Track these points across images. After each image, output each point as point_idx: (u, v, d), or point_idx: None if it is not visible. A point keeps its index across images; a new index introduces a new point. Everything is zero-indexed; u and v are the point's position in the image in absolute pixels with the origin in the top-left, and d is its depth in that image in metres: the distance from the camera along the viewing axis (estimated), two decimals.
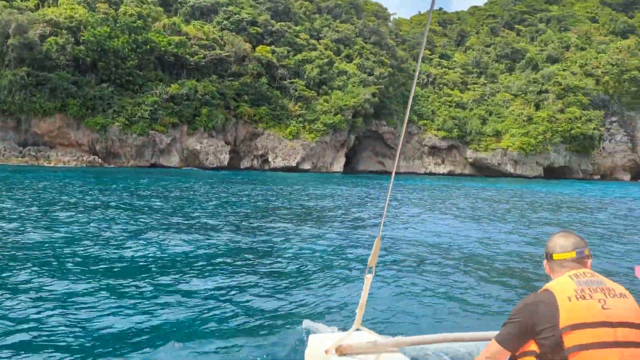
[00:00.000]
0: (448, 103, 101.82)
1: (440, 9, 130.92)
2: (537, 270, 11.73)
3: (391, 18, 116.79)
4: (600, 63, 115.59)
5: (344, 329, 3.11)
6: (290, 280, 9.97)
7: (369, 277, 2.83)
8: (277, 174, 64.55)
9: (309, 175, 64.76)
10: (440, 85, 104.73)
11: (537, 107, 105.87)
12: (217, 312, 7.54)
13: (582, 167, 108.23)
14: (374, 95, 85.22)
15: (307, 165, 76.12)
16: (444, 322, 7.71)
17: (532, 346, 2.24)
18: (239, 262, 11.50)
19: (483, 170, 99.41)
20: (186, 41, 72.62)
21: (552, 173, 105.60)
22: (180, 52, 71.14)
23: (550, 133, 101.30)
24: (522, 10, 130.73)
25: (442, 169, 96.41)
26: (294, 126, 77.31)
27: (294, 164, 74.56)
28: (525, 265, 12.61)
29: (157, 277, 9.55)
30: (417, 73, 2.55)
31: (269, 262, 11.69)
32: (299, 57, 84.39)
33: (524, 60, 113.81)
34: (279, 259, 12.00)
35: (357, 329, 2.90)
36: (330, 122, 79.05)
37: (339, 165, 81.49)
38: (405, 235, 16.49)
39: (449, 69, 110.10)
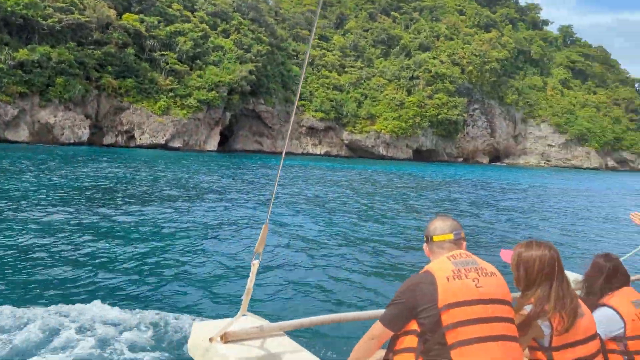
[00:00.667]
0: (326, 85, 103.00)
1: None
2: (415, 250, 12.25)
3: None
4: (465, 53, 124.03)
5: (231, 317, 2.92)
6: (167, 269, 9.47)
7: (255, 264, 2.73)
8: (142, 152, 60.61)
9: (179, 154, 61.71)
10: (319, 67, 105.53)
11: (409, 92, 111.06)
12: (93, 306, 7.04)
13: (447, 150, 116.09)
14: (251, 72, 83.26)
15: (177, 143, 72.55)
16: (330, 303, 7.97)
17: (414, 325, 2.35)
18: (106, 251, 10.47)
19: (358, 152, 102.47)
20: (38, 2, 64.87)
21: (421, 155, 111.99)
22: (31, 14, 63.39)
23: (419, 117, 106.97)
24: None
25: (319, 150, 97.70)
26: (164, 101, 73.08)
27: (162, 142, 70.62)
28: (404, 245, 13.23)
29: None
30: (307, 55, 2.57)
31: (139, 251, 10.81)
32: (171, 28, 79.63)
33: (398, 47, 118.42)
34: (150, 248, 11.16)
35: (244, 315, 2.83)
36: (204, 99, 75.90)
37: (213, 144, 78.85)
38: (289, 219, 16.39)
39: (328, 50, 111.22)
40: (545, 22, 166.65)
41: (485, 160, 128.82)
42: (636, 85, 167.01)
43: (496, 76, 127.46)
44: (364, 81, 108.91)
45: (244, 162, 55.60)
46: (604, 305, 3.03)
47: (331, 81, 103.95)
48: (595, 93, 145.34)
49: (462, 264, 2.44)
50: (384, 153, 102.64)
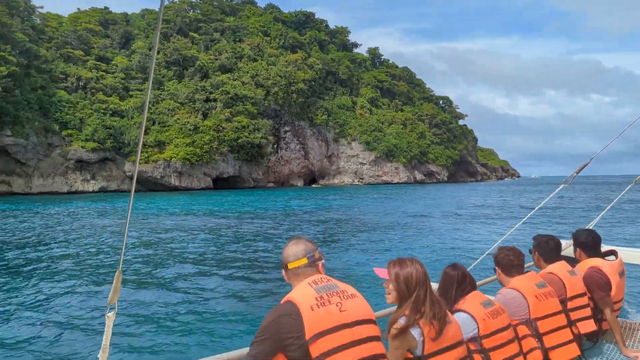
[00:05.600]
0: (102, 111, 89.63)
1: (106, 7, 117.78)
2: (267, 280, 12.77)
3: (37, 12, 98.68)
4: (270, 75, 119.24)
5: None
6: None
7: (110, 316, 2.49)
8: None
9: None
10: (94, 91, 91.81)
11: (205, 116, 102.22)
12: None
13: (253, 175, 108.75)
14: None
15: None
16: (195, 347, 7.77)
17: (282, 359, 2.30)
18: None
19: (145, 185, 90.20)
20: None
21: (225, 183, 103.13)
22: None
23: (217, 142, 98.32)
24: (198, 18, 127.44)
25: (93, 186, 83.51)
26: None
27: None
28: (262, 277, 13.30)
29: None
30: (149, 86, 2.20)
31: None
32: None
33: (193, 68, 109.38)
34: None
35: None
36: None
37: None
38: (135, 264, 15.52)
39: (108, 72, 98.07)
40: (355, 45, 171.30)
41: (300, 183, 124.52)
42: (440, 102, 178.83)
43: (304, 97, 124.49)
44: (152, 105, 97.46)
45: None
46: (458, 310, 3.23)
47: (109, 106, 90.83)
48: (402, 110, 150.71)
49: (325, 290, 2.40)
50: (177, 183, 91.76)
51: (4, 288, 12.81)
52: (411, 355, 2.70)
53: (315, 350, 2.21)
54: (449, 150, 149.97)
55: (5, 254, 18.59)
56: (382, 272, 2.88)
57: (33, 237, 23.60)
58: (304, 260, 2.51)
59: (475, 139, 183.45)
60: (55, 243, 21.14)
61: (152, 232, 25.38)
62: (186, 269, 14.77)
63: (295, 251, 2.54)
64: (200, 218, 34.09)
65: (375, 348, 2.36)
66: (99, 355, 2.48)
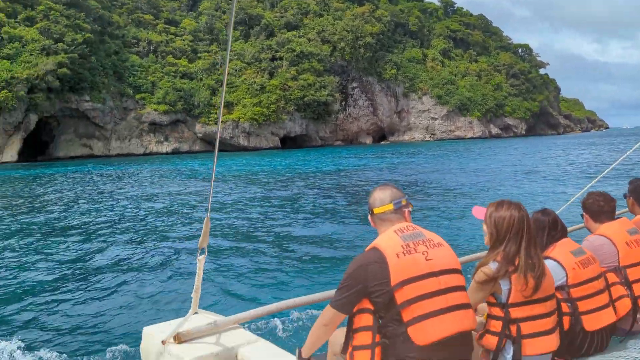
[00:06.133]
0: (172, 73, 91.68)
1: None
2: (349, 228, 13.98)
3: None
4: (336, 30, 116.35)
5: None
6: (103, 283, 9.46)
7: (201, 259, 2.75)
8: None
9: None
10: (164, 54, 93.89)
11: (271, 75, 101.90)
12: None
13: (320, 134, 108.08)
14: (61, 65, 70.87)
15: None
16: (281, 290, 8.43)
17: (367, 304, 2.34)
18: None
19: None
20: None
21: (292, 142, 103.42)
22: None
23: (283, 101, 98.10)
24: None
25: (166, 148, 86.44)
26: None
27: None
28: (339, 223, 14.73)
29: None
30: (227, 52, 2.57)
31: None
32: None
33: (259, 27, 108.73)
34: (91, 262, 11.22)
35: (195, 313, 2.79)
36: None
37: (10, 154, 65.93)
38: (220, 214, 17.05)
39: (177, 35, 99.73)
40: None
41: (369, 140, 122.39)
42: (519, 50, 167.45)
43: (372, 51, 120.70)
44: (219, 66, 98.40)
45: (49, 173, 44.80)
46: (546, 257, 3.10)
47: (179, 69, 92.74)
48: (476, 61, 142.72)
49: (410, 238, 2.39)
50: (246, 144, 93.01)
51: (107, 237, 14.46)
52: (494, 300, 2.62)
53: (400, 297, 2.23)
54: (527, 102, 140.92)
55: (101, 207, 20.87)
56: (479, 212, 2.80)
57: (121, 193, 25.77)
58: (390, 206, 2.50)
59: (557, 89, 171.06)
60: (140, 199, 22.92)
61: (230, 188, 26.93)
62: (265, 219, 15.87)
63: (381, 196, 2.53)
64: (271, 175, 35.32)
65: (460, 298, 2.36)
66: (192, 295, 2.70)
